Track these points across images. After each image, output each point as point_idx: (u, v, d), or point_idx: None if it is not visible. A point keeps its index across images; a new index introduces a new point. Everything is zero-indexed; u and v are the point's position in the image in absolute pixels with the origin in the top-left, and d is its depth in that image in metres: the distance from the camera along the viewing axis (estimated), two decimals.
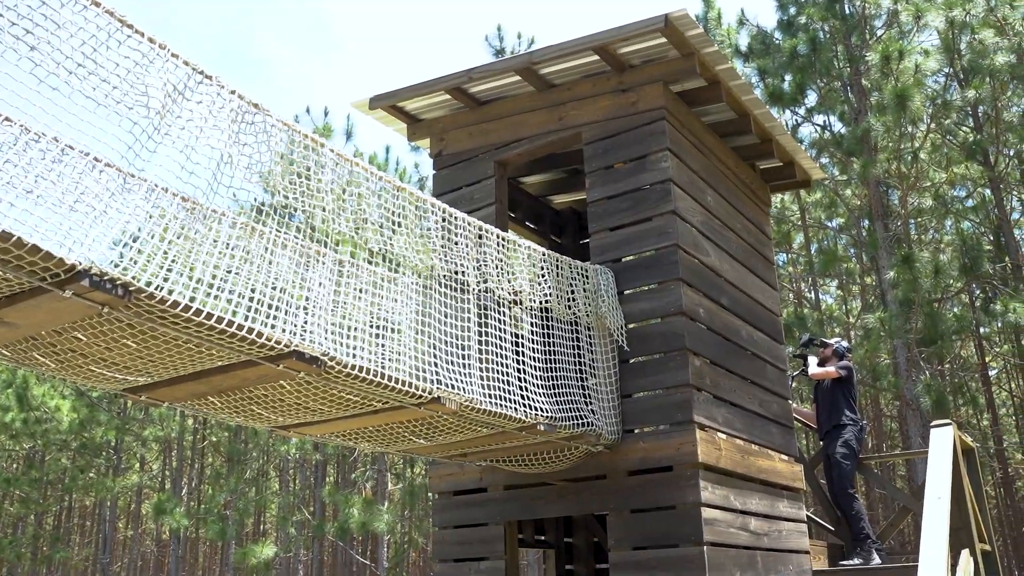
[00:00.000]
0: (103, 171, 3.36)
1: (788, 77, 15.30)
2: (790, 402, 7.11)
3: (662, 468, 5.21)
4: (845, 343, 7.59)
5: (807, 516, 6.77)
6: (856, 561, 6.85)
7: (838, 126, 15.79)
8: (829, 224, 18.62)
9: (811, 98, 15.88)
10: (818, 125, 16.15)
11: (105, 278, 2.85)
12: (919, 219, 16.41)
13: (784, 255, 19.75)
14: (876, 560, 6.84)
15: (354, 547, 23.24)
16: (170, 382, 3.70)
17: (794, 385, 8.34)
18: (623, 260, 5.68)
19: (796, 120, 16.31)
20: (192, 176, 3.42)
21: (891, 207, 14.71)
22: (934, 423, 6.32)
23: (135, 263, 2.93)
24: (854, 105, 14.84)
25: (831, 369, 7.35)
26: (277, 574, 22.59)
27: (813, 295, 21.36)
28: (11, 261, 2.75)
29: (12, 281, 2.86)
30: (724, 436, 5.51)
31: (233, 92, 3.64)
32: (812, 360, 7.66)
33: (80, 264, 2.81)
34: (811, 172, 7.37)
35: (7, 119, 2.90)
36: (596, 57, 5.83)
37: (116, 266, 2.87)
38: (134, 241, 3.03)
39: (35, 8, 3.01)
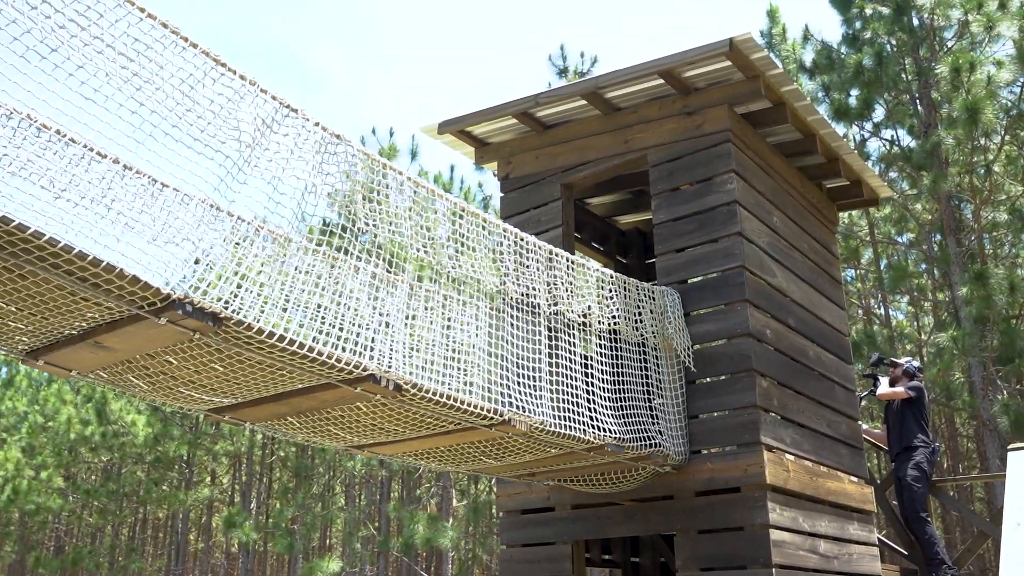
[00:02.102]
0: (197, 204, 3.56)
1: (854, 92, 15.10)
2: (859, 423, 7.03)
3: (730, 489, 5.22)
4: (916, 363, 7.45)
5: (879, 539, 6.68)
6: None
7: (907, 140, 15.52)
8: (899, 239, 18.25)
9: (878, 112, 15.65)
10: (886, 140, 15.90)
11: (197, 306, 3.02)
12: (994, 233, 16.00)
13: (852, 271, 19.42)
14: None
15: (419, 563, 23.44)
16: (253, 403, 3.87)
17: (863, 404, 8.19)
18: (689, 281, 5.72)
19: (863, 135, 16.08)
20: (278, 206, 3.60)
21: (964, 221, 14.39)
22: (1012, 446, 6.19)
23: (224, 292, 3.09)
24: (923, 118, 14.59)
25: (900, 390, 7.22)
26: None
27: (883, 312, 20.93)
28: (114, 291, 2.94)
29: (113, 309, 3.05)
30: (792, 457, 5.49)
31: (317, 124, 3.81)
32: (882, 380, 7.54)
33: (175, 293, 2.99)
34: (879, 191, 7.30)
35: (115, 160, 3.10)
36: (661, 81, 5.90)
37: (206, 295, 3.04)
38: (224, 270, 3.21)
39: (141, 52, 3.22)
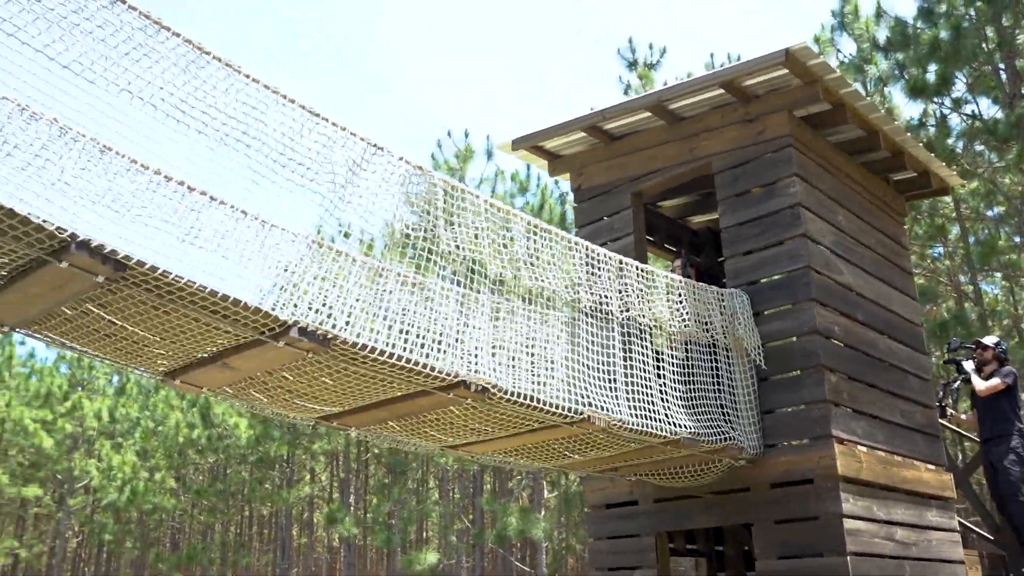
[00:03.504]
0: (302, 240, 4.06)
1: (931, 68, 14.88)
2: (949, 410, 7.11)
3: (804, 480, 5.48)
4: (1003, 343, 7.27)
5: (963, 525, 6.78)
6: None
7: (991, 112, 15.19)
8: (989, 213, 17.85)
9: (958, 87, 15.37)
10: (966, 115, 15.61)
11: (310, 330, 3.49)
12: None
13: (940, 248, 19.06)
14: None
15: (513, 554, 23.98)
16: (357, 410, 4.36)
17: (958, 392, 7.95)
18: (757, 283, 5.99)
19: (943, 111, 15.82)
20: (372, 236, 4.06)
21: None
22: None
23: (332, 315, 3.56)
24: (1007, 89, 14.30)
25: (997, 381, 7.04)
26: None
27: (973, 289, 20.46)
28: (239, 320, 3.44)
29: (238, 335, 3.54)
30: (865, 449, 5.71)
31: (400, 159, 4.25)
32: (967, 365, 7.33)
33: (290, 319, 3.47)
34: (948, 180, 7.39)
35: (242, 210, 3.60)
36: (722, 90, 6.17)
37: (317, 319, 3.51)
38: (329, 296, 3.68)
39: (249, 113, 3.70)
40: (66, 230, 3.01)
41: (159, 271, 3.13)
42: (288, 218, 4.02)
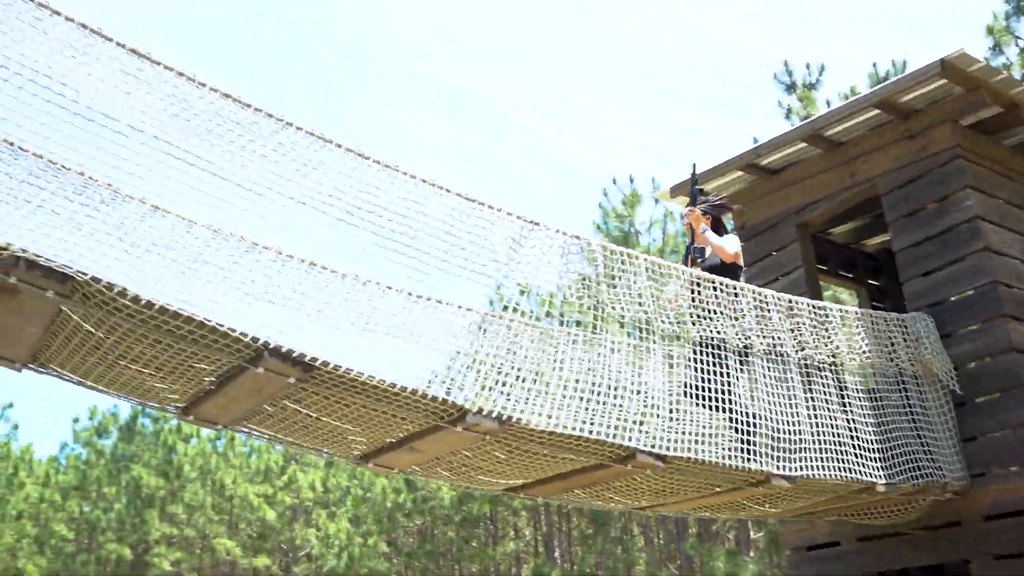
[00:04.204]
0: (470, 318, 4.29)
1: None
2: None
3: (1020, 512, 5.10)
4: None
5: None
6: None
7: None
8: None
9: None
10: None
11: (484, 414, 3.68)
12: None
13: None
14: None
15: None
16: (541, 482, 4.48)
17: None
18: (941, 303, 5.69)
19: None
20: (535, 311, 4.23)
21: None
22: None
23: (508, 395, 3.74)
24: None
25: None
26: None
27: None
28: (419, 408, 3.67)
29: (422, 422, 3.78)
30: None
31: (558, 231, 4.40)
32: None
33: (467, 404, 3.67)
34: None
35: (415, 294, 3.88)
36: (878, 111, 5.97)
37: (493, 403, 3.69)
38: (501, 377, 3.86)
39: (410, 210, 3.99)
40: (259, 339, 3.35)
41: (341, 369, 3.41)
42: (457, 302, 4.29)
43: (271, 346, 3.33)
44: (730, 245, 5.10)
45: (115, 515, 25.54)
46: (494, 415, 3.67)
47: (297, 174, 3.88)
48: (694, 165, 5.41)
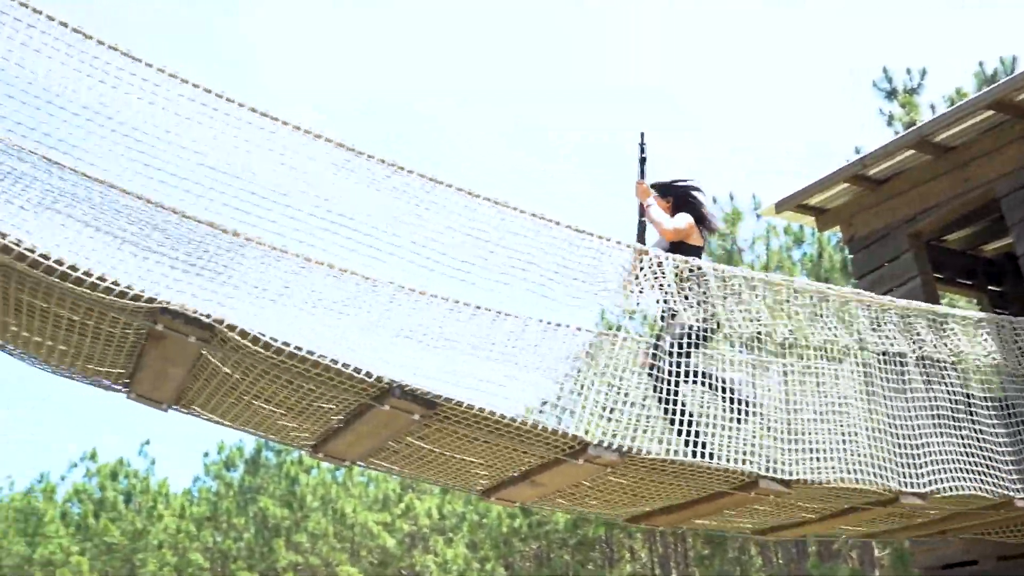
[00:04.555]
0: (581, 342, 4.38)
1: None
2: None
3: None
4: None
5: None
6: None
7: None
8: None
9: None
10: None
11: (605, 446, 3.73)
12: None
13: None
14: None
15: None
16: (663, 511, 4.49)
17: None
18: None
19: None
20: (653, 341, 4.26)
21: None
22: None
23: (625, 429, 3.79)
24: None
25: None
26: None
27: None
28: (542, 443, 3.74)
29: (543, 456, 3.86)
30: None
31: (668, 256, 4.40)
32: None
33: (586, 437, 3.73)
34: None
35: (535, 319, 3.99)
36: (991, 112, 5.79)
37: (614, 436, 3.74)
38: (620, 407, 3.92)
39: (524, 240, 4.08)
40: (384, 378, 3.49)
41: (464, 404, 3.53)
42: (567, 333, 4.38)
43: (396, 384, 3.47)
44: (671, 221, 4.60)
45: (245, 544, 26.51)
46: (614, 447, 3.72)
47: (412, 215, 4.03)
48: (642, 134, 4.99)
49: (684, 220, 4.60)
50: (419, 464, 4.17)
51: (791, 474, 4.01)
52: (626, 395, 4.01)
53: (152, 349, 3.40)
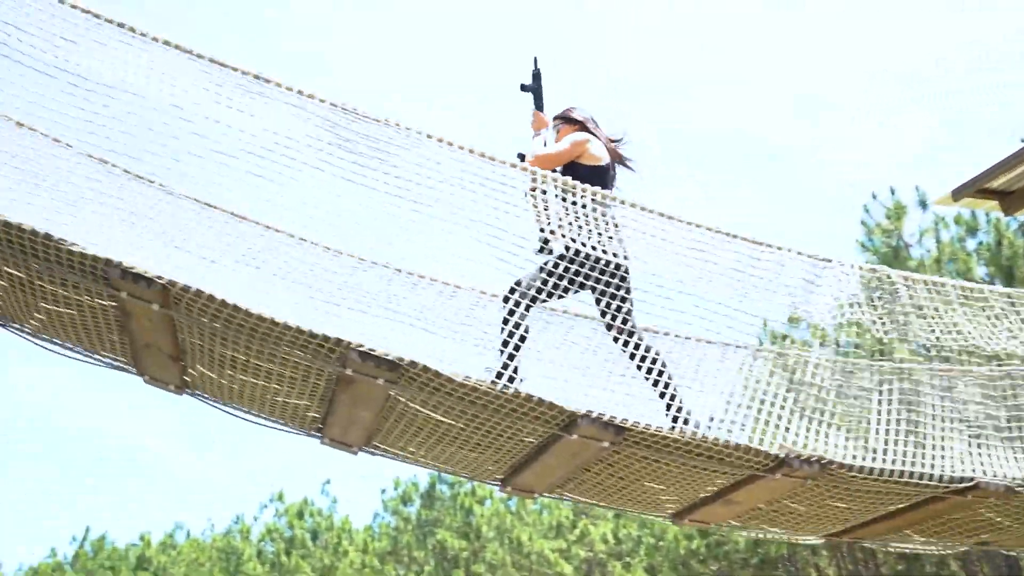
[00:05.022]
0: (767, 357, 4.21)
1: None
2: None
3: None
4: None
5: None
6: None
7: None
8: None
9: None
10: None
11: (803, 458, 3.56)
12: None
13: None
14: None
15: None
16: (865, 524, 4.25)
17: None
18: None
19: None
20: (837, 342, 4.07)
21: None
22: None
23: (826, 438, 3.62)
24: None
25: None
26: None
27: None
28: (733, 461, 3.62)
29: (734, 473, 3.73)
30: None
31: (852, 265, 4.19)
32: None
33: (783, 454, 3.58)
34: None
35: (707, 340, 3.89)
36: None
37: (806, 446, 3.58)
38: (814, 418, 3.74)
39: (697, 256, 3.98)
40: (570, 407, 3.46)
41: (652, 428, 3.46)
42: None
43: (583, 413, 3.43)
44: (540, 149, 4.15)
45: None
46: (812, 459, 3.55)
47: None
48: (535, 59, 4.41)
49: (568, 140, 4.16)
50: (606, 492, 4.13)
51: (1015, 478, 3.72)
52: (823, 406, 3.82)
53: (342, 393, 3.51)
